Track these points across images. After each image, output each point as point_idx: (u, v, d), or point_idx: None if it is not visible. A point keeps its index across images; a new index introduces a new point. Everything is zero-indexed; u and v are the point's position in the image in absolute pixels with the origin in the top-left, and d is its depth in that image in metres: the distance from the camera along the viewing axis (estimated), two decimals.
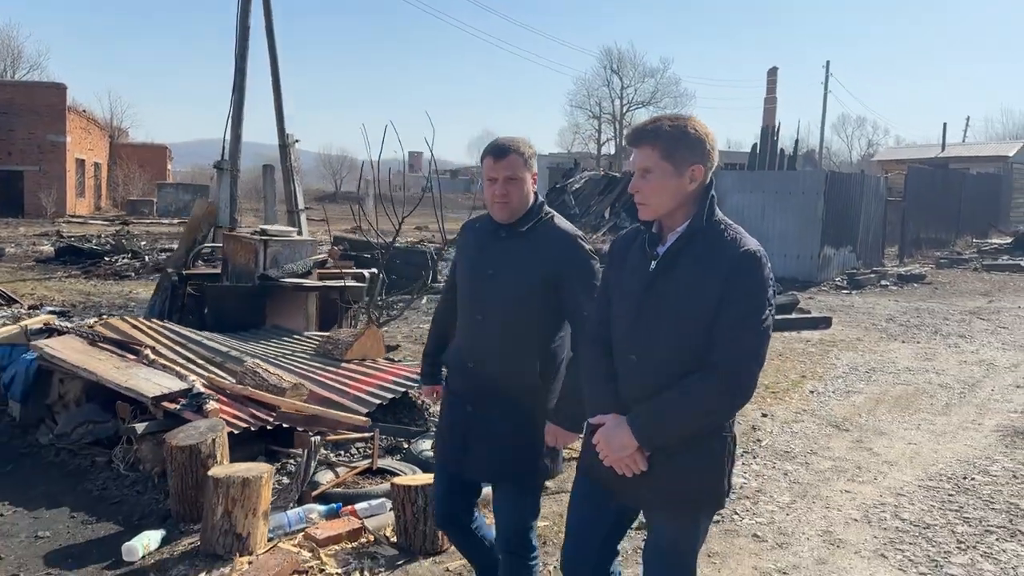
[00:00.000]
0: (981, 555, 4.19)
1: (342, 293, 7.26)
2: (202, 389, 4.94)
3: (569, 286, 2.80)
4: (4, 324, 8.47)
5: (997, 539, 4.40)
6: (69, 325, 6.38)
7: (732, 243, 2.30)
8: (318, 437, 4.52)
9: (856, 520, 4.66)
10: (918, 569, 4.03)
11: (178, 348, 5.90)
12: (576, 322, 2.81)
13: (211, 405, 4.72)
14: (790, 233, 16.44)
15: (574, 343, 2.84)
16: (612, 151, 65.63)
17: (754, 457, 5.77)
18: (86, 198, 40.91)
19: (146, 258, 17.92)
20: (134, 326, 6.22)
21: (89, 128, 42.19)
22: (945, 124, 41.19)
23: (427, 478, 4.01)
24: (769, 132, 20.07)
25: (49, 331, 5.99)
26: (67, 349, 5.58)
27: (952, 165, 29.74)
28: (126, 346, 5.77)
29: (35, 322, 6.11)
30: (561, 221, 2.95)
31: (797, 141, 22.48)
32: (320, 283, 7.16)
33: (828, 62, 51.20)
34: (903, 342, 10.56)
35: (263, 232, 7.36)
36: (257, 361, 5.40)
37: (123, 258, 17.61)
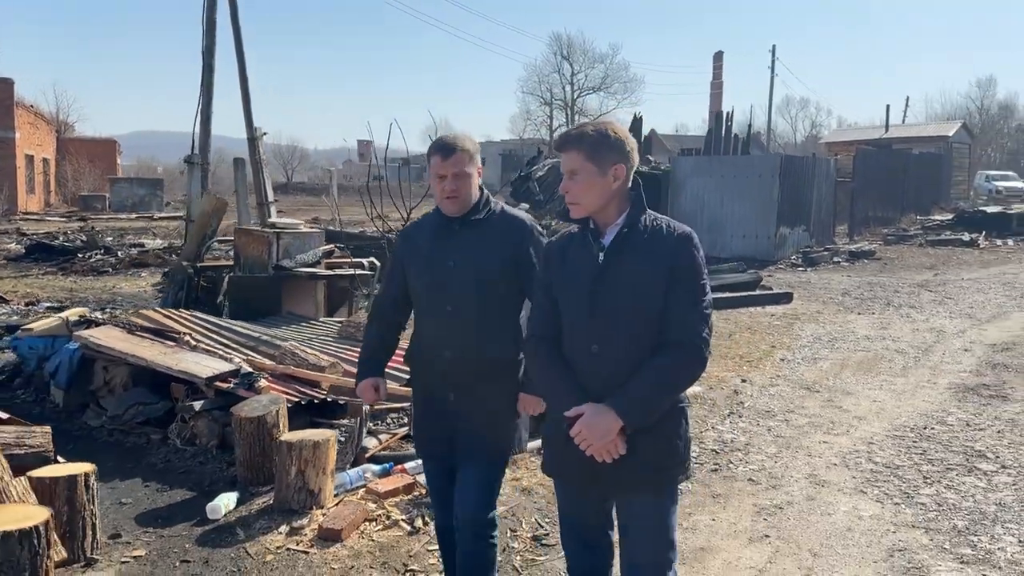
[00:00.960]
0: (944, 487, 4.91)
1: (352, 280, 7.77)
2: (249, 369, 5.43)
3: (528, 267, 2.94)
4: (9, 318, 8.79)
5: (956, 474, 5.13)
6: (103, 317, 6.79)
7: (669, 230, 2.48)
8: (367, 407, 5.06)
9: (836, 464, 5.35)
10: (893, 500, 4.73)
11: (212, 334, 6.36)
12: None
13: (262, 383, 5.22)
14: (748, 215, 17.26)
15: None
16: None
17: (740, 417, 6.44)
18: (36, 195, 40.29)
19: (119, 253, 18.04)
20: (167, 316, 6.65)
21: (37, 123, 41.48)
22: (888, 106, 42.85)
23: None
24: (723, 118, 20.85)
25: (87, 323, 6.39)
26: (110, 338, 6.00)
27: (895, 146, 31.04)
28: (163, 334, 6.20)
29: (72, 314, 6.50)
30: (510, 209, 3.11)
31: (750, 126, 23.35)
32: (332, 272, 7.65)
33: (774, 46, 52.55)
34: (859, 314, 11.38)
35: (273, 225, 7.81)
36: (294, 343, 5.89)
37: (96, 254, 17.71)
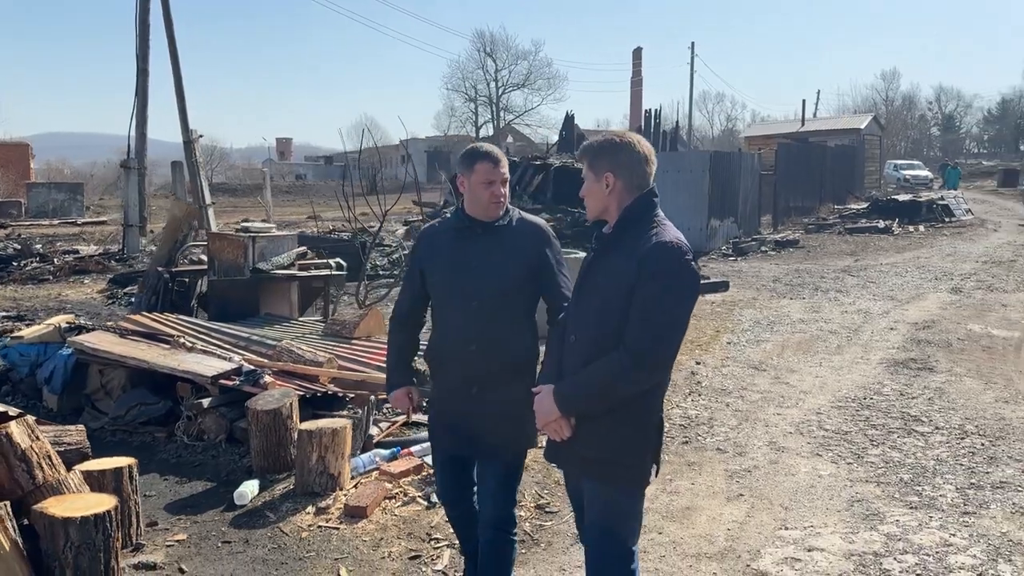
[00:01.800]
0: (889, 448, 5.58)
1: (328, 281, 8.09)
2: (252, 367, 5.74)
3: (546, 268, 3.13)
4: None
5: (898, 437, 5.80)
6: (90, 323, 6.96)
7: (652, 236, 2.53)
8: (373, 396, 5.44)
9: (791, 433, 5.97)
10: (846, 461, 5.36)
11: (202, 336, 6.61)
12: (551, 299, 3.12)
13: (267, 378, 5.55)
14: (681, 208, 18.04)
15: (552, 318, 3.05)
16: (490, 133, 66.75)
17: (699, 395, 7.02)
18: None
19: (55, 260, 17.74)
20: (155, 320, 6.86)
21: None
22: (804, 101, 44.93)
23: None
24: (652, 115, 21.65)
25: (78, 329, 6.57)
26: (105, 343, 6.21)
27: (811, 139, 32.55)
28: (155, 337, 6.44)
29: (62, 320, 6.67)
30: (527, 215, 3.29)
31: (678, 123, 24.23)
32: (309, 273, 7.96)
33: (693, 43, 54.16)
34: (791, 299, 12.18)
35: (247, 230, 8.06)
36: (288, 341, 6.22)
37: (32, 262, 17.38)
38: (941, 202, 24.07)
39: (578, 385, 2.57)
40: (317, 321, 7.85)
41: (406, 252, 15.88)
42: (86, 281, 15.44)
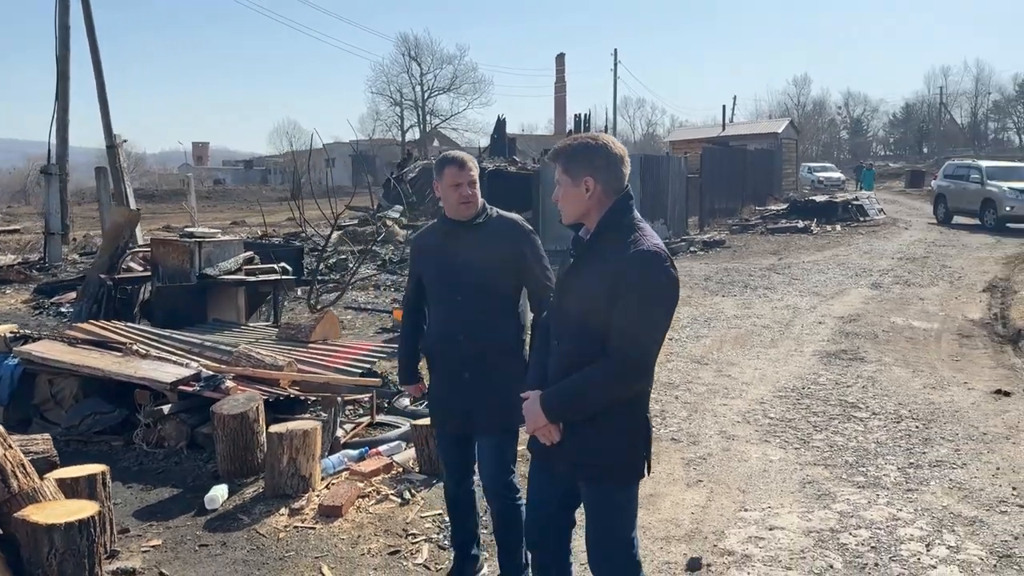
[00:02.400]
0: (831, 433, 5.90)
1: (277, 285, 8.05)
2: (210, 372, 5.72)
3: (526, 261, 3.39)
4: None
5: (839, 423, 6.13)
6: (32, 333, 6.78)
7: (630, 244, 2.55)
8: (339, 399, 5.48)
9: (739, 422, 6.25)
10: (793, 446, 5.65)
11: (154, 343, 6.52)
12: (534, 289, 3.41)
13: (228, 383, 5.53)
14: None
15: (534, 307, 3.42)
16: (417, 137, 66.56)
17: None
18: None
19: None
20: (103, 328, 6.72)
21: None
22: (724, 106, 46.09)
23: None
24: (582, 119, 22.03)
25: (24, 338, 6.41)
26: (55, 352, 6.08)
27: (732, 142, 33.52)
28: (105, 345, 6.33)
29: (5, 330, 6.48)
30: (504, 213, 3.52)
31: (606, 127, 24.66)
32: (257, 278, 7.91)
33: (616, 50, 55.01)
34: (723, 296, 12.60)
35: (191, 235, 7.97)
36: (245, 346, 6.20)
37: None
38: (856, 202, 25.13)
39: (564, 393, 2.62)
40: (267, 326, 7.82)
41: (342, 257, 15.83)
42: (8, 292, 14.85)
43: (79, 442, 5.77)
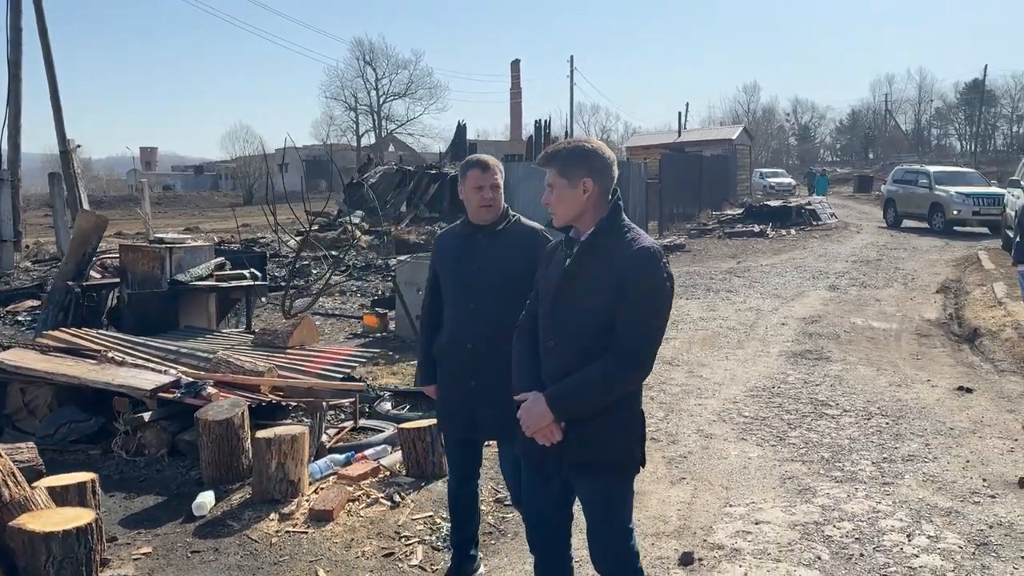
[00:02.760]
0: (806, 430, 6.06)
1: (249, 291, 7.98)
2: (191, 379, 5.67)
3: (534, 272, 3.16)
4: None
5: (812, 420, 6.30)
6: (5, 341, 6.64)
7: (630, 243, 2.64)
8: (324, 403, 5.47)
9: (715, 420, 6.38)
10: (770, 443, 5.79)
11: (129, 350, 6.43)
12: None
13: (210, 390, 5.49)
14: None
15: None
16: (372, 142, 66.22)
17: None
18: None
19: None
20: (75, 335, 6.61)
21: None
22: (680, 113, 46.88)
23: (426, 422, 5.17)
24: (542, 125, 22.19)
25: None
26: (27, 360, 5.97)
27: (688, 148, 34.06)
28: (78, 353, 6.23)
29: None
30: (525, 220, 3.50)
31: (567, 133, 24.86)
32: (229, 284, 7.84)
33: (572, 57, 55.54)
34: (688, 299, 12.79)
35: (161, 241, 7.87)
36: (225, 352, 6.15)
37: None
38: (809, 207, 25.70)
39: (570, 391, 2.64)
40: (240, 332, 7.76)
41: (304, 263, 15.71)
42: None
43: (54, 451, 5.66)
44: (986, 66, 76.17)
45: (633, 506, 2.97)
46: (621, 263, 2.61)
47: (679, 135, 43.48)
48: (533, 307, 2.93)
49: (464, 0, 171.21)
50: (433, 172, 20.96)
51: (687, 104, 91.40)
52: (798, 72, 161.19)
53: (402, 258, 9.90)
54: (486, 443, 4.01)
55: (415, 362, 7.82)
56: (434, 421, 5.18)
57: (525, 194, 18.14)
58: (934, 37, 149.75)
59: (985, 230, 21.11)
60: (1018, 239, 6.62)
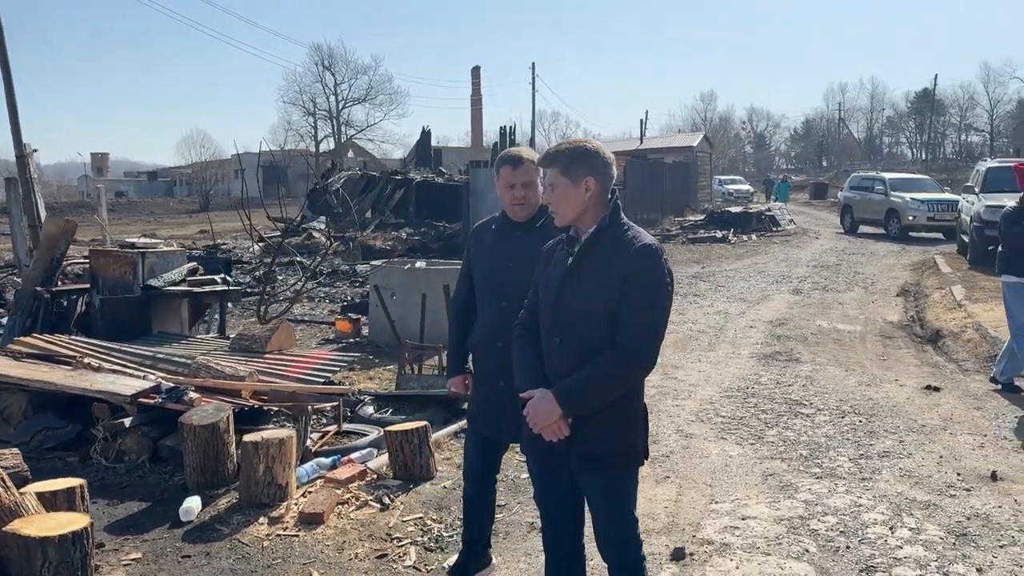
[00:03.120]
0: (783, 429, 6.18)
1: (224, 296, 7.90)
2: (171, 384, 5.60)
3: None
4: None
5: (787, 419, 6.43)
6: None
7: (632, 240, 2.72)
8: (309, 407, 5.45)
9: (693, 421, 6.48)
10: (748, 442, 5.90)
11: (104, 356, 6.33)
12: None
13: (192, 395, 5.43)
14: None
15: None
16: (331, 147, 65.77)
17: None
18: None
19: None
20: (49, 342, 6.49)
21: None
22: (642, 120, 47.39)
23: (412, 424, 5.18)
24: (508, 131, 22.28)
25: None
26: (1, 367, 5.85)
27: (650, 156, 34.43)
28: (52, 359, 6.12)
29: None
30: None
31: (531, 140, 25.00)
32: (203, 289, 7.75)
33: (534, 64, 55.76)
34: None
35: (133, 246, 7.77)
36: (204, 357, 6.09)
37: None
38: (768, 213, 26.16)
39: (579, 386, 2.67)
40: (214, 338, 7.68)
41: (268, 269, 15.58)
42: None
43: (31, 459, 5.49)
44: (936, 76, 78.37)
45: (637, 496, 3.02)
46: (623, 260, 2.67)
47: (641, 142, 43.92)
48: (533, 305, 2.96)
49: (425, 6, 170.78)
50: (399, 178, 20.90)
51: (646, 112, 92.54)
52: (754, 81, 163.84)
53: (376, 263, 9.87)
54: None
55: (391, 367, 7.92)
56: (421, 423, 5.24)
57: (492, 198, 18.24)
58: (886, 47, 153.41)
59: (940, 235, 21.68)
60: (1000, 248, 6.74)
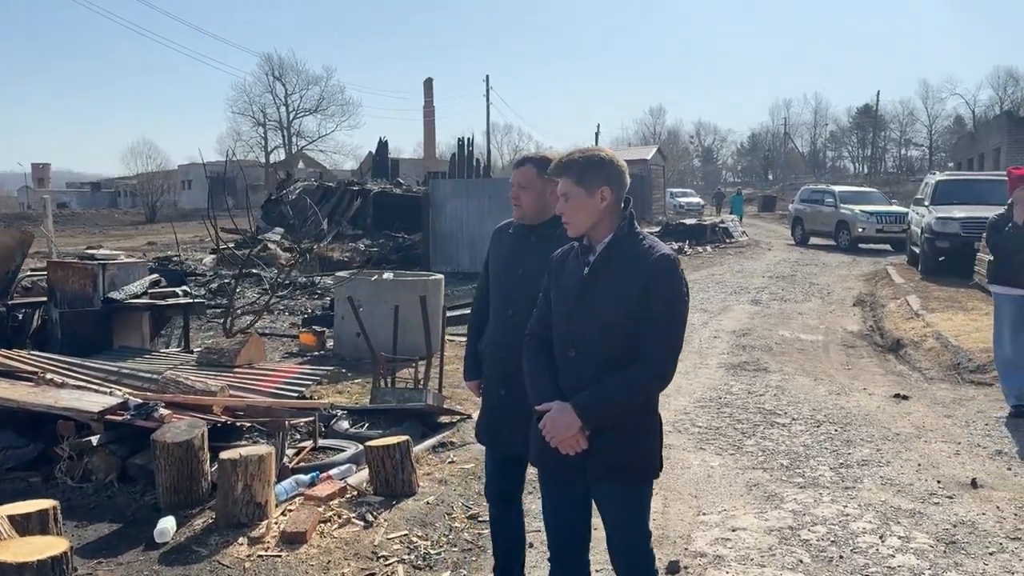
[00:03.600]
0: (761, 438, 6.20)
1: (189, 308, 7.66)
2: (139, 400, 5.40)
3: None
4: None
5: (764, 428, 6.46)
6: None
7: (649, 250, 2.68)
8: (287, 423, 5.29)
9: (670, 431, 6.45)
10: (728, 452, 5.91)
11: (67, 372, 6.08)
12: None
13: (162, 411, 5.24)
14: None
15: None
16: (282, 158, 64.96)
17: None
18: None
19: None
20: (7, 357, 6.21)
21: None
22: (596, 133, 47.80)
23: (393, 439, 5.07)
24: (465, 142, 22.24)
25: None
26: None
27: None
28: (12, 375, 5.87)
29: None
30: None
31: (489, 151, 24.97)
32: (167, 302, 7.51)
33: (488, 76, 55.65)
34: None
35: (92, 257, 7.51)
36: (174, 372, 5.89)
37: None
38: (722, 225, 26.59)
39: (600, 398, 2.63)
40: (179, 351, 7.45)
41: (226, 281, 15.24)
42: None
43: None
44: (878, 92, 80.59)
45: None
46: (642, 270, 2.65)
47: None
48: (545, 317, 2.88)
49: (377, 18, 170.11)
50: (356, 188, 20.67)
51: (598, 126, 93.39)
52: (702, 96, 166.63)
53: (341, 274, 9.70)
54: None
55: (360, 380, 7.77)
56: (403, 438, 5.13)
57: (452, 209, 18.15)
58: (829, 64, 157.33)
59: (888, 247, 22.21)
60: (991, 259, 6.77)
